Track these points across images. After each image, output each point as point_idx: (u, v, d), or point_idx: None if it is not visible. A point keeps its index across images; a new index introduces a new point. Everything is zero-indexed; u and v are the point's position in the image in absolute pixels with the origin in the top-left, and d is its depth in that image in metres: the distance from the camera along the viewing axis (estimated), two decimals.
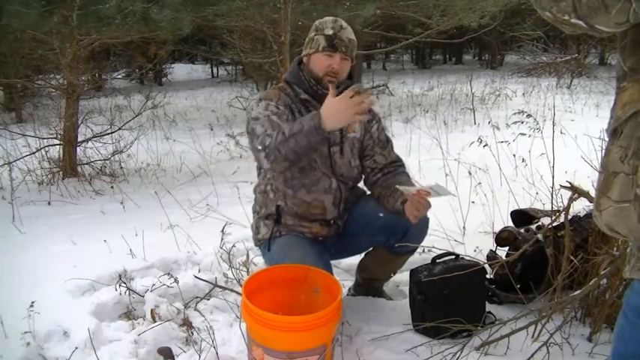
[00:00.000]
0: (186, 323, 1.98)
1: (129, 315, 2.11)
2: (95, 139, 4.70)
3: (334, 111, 1.61)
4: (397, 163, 2.03)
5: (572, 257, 1.83)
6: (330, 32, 1.84)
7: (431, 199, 1.75)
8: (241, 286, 1.97)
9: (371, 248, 2.07)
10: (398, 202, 1.84)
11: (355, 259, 2.20)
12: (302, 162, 1.78)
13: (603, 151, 0.95)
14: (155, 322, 2.00)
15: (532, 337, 1.81)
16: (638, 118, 0.83)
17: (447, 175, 3.57)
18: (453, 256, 1.96)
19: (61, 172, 4.33)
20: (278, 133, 1.69)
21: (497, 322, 1.86)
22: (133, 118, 5.10)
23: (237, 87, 10.38)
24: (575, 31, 0.87)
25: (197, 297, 2.21)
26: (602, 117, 6.24)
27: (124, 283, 2.19)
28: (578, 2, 0.80)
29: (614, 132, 0.87)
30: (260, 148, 1.71)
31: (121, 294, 2.16)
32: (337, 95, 1.64)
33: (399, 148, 2.19)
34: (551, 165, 2.19)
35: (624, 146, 0.84)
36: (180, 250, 2.65)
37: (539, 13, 0.90)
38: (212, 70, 16.68)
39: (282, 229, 1.93)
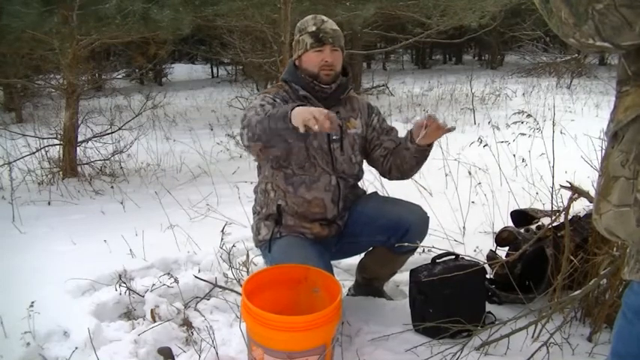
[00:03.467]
0: (186, 323, 1.98)
1: (129, 315, 2.11)
2: (95, 139, 4.70)
3: (306, 110, 1.55)
4: None
5: (572, 257, 1.83)
6: (313, 28, 1.87)
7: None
8: (241, 286, 1.97)
9: (371, 248, 2.07)
10: (407, 142, 1.86)
11: (355, 259, 2.20)
12: (271, 150, 1.74)
13: (603, 151, 0.95)
14: (155, 322, 2.00)
15: (532, 337, 1.81)
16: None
17: (446, 175, 3.57)
18: (453, 256, 1.96)
19: (61, 172, 4.33)
20: (262, 112, 1.72)
21: (497, 322, 1.86)
22: (133, 118, 5.10)
23: (237, 87, 10.35)
24: (603, 52, 0.84)
25: (197, 297, 2.21)
26: (602, 117, 6.23)
27: (124, 283, 2.19)
28: (601, 24, 0.77)
29: (615, 136, 0.86)
30: (245, 124, 1.74)
31: (121, 294, 2.17)
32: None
33: None
34: (551, 165, 2.19)
35: (625, 151, 0.83)
36: (180, 250, 2.65)
37: (564, 40, 0.87)
38: (212, 70, 16.66)
39: (282, 230, 1.93)
